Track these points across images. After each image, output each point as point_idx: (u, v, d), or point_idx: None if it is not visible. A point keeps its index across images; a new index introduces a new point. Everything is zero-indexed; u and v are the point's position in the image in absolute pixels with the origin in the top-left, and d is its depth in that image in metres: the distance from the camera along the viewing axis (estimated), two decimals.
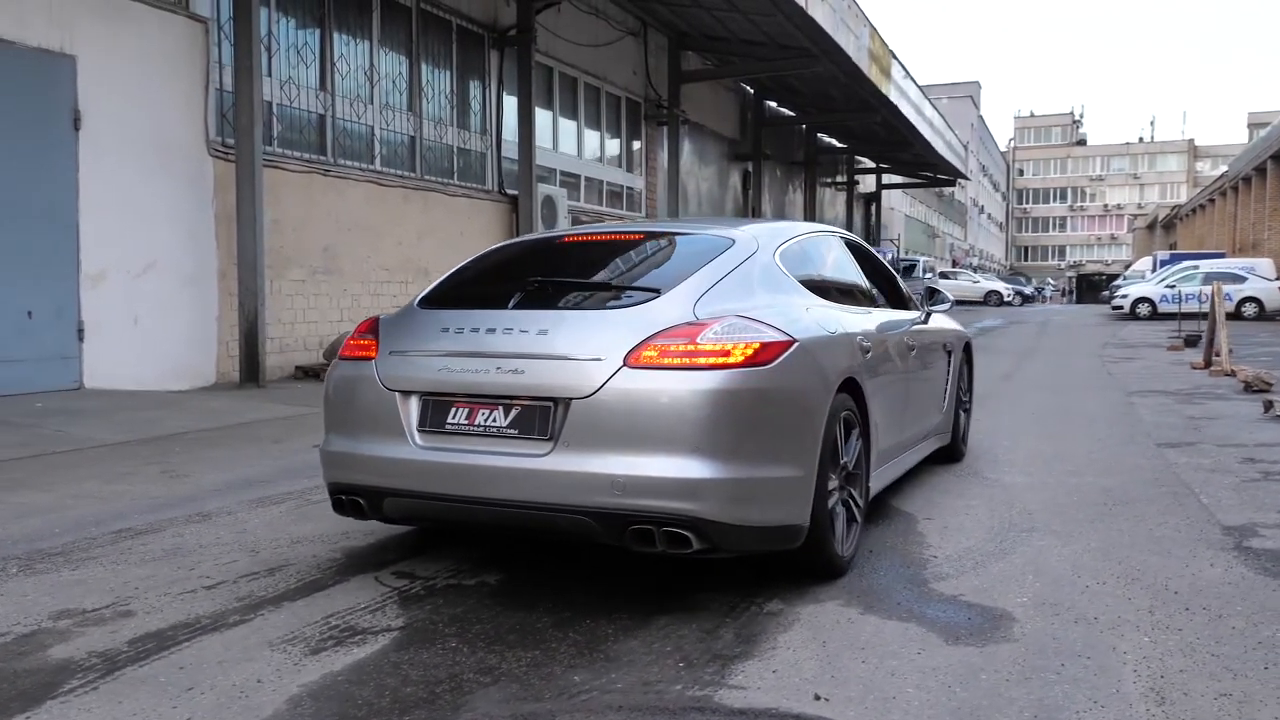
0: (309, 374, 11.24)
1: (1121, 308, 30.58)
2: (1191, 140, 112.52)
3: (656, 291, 3.64)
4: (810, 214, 31.41)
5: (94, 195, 9.09)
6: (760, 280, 3.90)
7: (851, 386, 4.00)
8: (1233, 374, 11.26)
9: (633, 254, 4.28)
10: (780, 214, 29.76)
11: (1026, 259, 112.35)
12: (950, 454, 6.24)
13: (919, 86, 31.20)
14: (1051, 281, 76.36)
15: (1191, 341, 17.76)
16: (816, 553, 3.70)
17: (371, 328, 3.94)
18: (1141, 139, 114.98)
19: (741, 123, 26.23)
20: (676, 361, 3.32)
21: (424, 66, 13.87)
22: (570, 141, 17.93)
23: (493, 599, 3.66)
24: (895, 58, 26.01)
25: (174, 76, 9.90)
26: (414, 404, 3.63)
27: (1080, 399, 9.81)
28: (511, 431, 3.44)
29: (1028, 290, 51.27)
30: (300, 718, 2.68)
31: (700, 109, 22.98)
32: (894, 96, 25.57)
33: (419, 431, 3.60)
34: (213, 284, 10.38)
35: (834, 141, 34.05)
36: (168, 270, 9.87)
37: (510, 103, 15.57)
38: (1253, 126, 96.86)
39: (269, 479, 5.94)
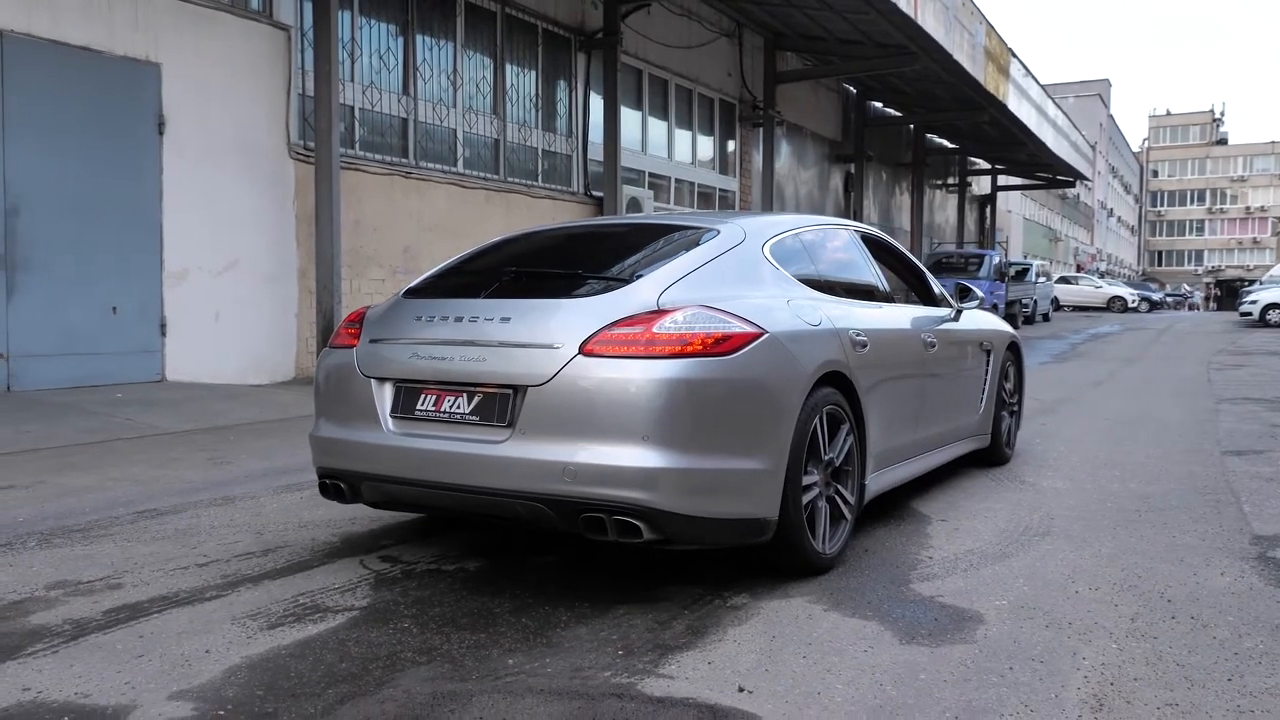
0: None
1: (1250, 314, 28.96)
2: None
3: (625, 281, 3.62)
4: (917, 216, 30.73)
5: (177, 196, 9.52)
6: (739, 271, 3.85)
7: (839, 381, 3.91)
8: None
9: (617, 245, 4.28)
10: (885, 217, 29.21)
11: (1160, 264, 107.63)
12: (991, 457, 6.03)
13: (1040, 85, 30.23)
14: (1188, 287, 72.70)
15: None
16: (789, 548, 3.62)
17: (359, 318, 4.03)
18: None
19: (844, 123, 25.83)
20: (632, 349, 3.29)
21: (508, 69, 14.09)
22: (660, 144, 17.97)
23: (463, 584, 3.70)
24: (1015, 55, 25.26)
25: (256, 82, 10.31)
26: (388, 391, 3.70)
27: (1164, 406, 9.35)
28: (473, 418, 3.48)
29: (1156, 296, 49.09)
30: (230, 686, 2.76)
31: (800, 110, 22.73)
32: (1012, 95, 24.82)
33: (392, 418, 3.67)
34: (293, 282, 10.76)
35: (944, 142, 33.21)
36: (249, 269, 10.27)
37: (596, 105, 15.70)
38: None
39: (304, 467, 6.09)
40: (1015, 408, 6.45)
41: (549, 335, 3.39)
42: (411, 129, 12.49)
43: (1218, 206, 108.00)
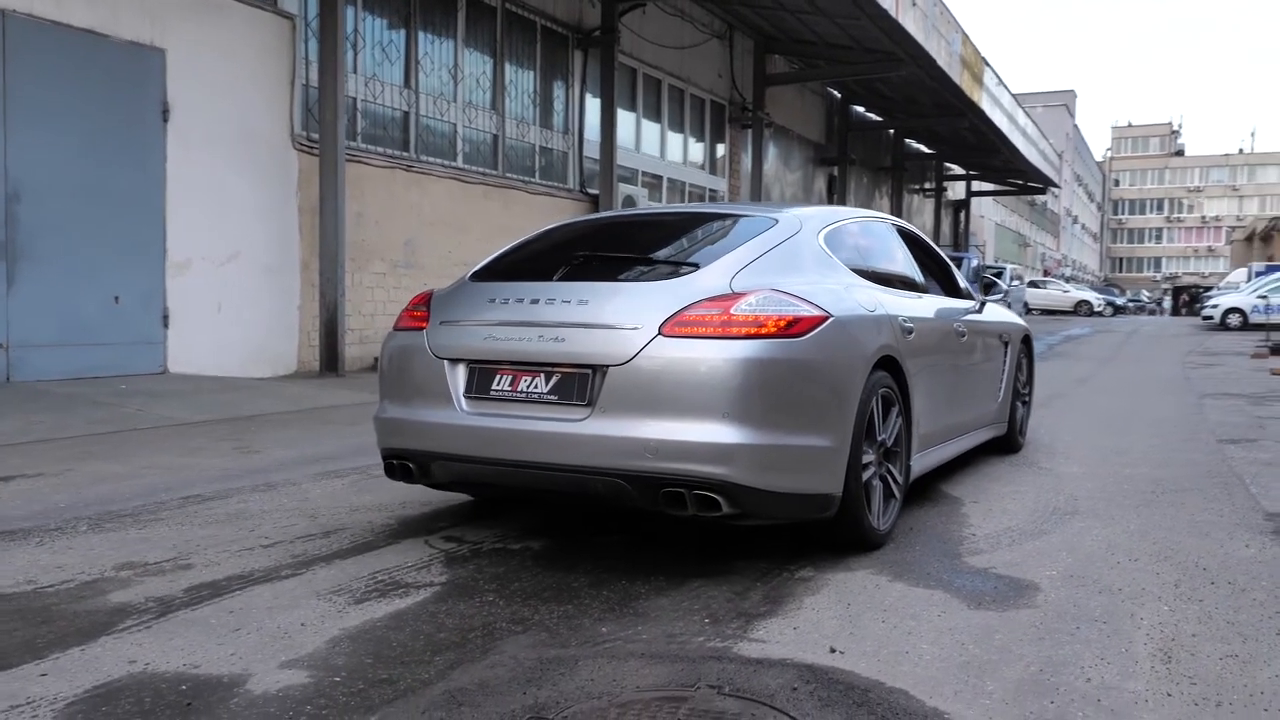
0: None
1: (1212, 318, 29.63)
2: None
3: (696, 266, 3.74)
4: None
5: (181, 186, 9.51)
6: (800, 258, 3.98)
7: (891, 365, 4.05)
8: None
9: (678, 232, 4.40)
10: None
11: (1121, 270, 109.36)
12: (1007, 445, 6.22)
13: (1012, 94, 30.75)
14: (1146, 294, 73.87)
15: (1277, 349, 17.22)
16: (850, 524, 3.75)
17: (425, 300, 4.12)
18: (1241, 150, 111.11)
19: (827, 127, 26.13)
20: (710, 331, 3.41)
21: (508, 65, 14.17)
22: (653, 142, 18.10)
23: (534, 561, 3.79)
24: (988, 65, 25.69)
25: (260, 71, 10.32)
26: (461, 371, 3.79)
27: (1152, 401, 9.61)
28: (551, 397, 3.57)
29: (1119, 301, 49.97)
30: (337, 655, 2.84)
31: (786, 112, 22.96)
32: (986, 103, 25.24)
33: (465, 398, 3.76)
34: (295, 274, 10.77)
35: (922, 147, 33.68)
36: (251, 260, 10.28)
37: (593, 103, 15.81)
38: None
39: (336, 456, 6.17)
40: (1027, 398, 6.64)
41: (628, 317, 3.50)
42: (413, 122, 12.53)
43: (1175, 215, 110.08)
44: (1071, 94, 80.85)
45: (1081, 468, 5.81)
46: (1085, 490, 5.14)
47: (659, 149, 18.31)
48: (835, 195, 26.75)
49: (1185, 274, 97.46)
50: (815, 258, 4.07)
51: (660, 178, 18.35)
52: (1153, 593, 3.39)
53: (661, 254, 4.00)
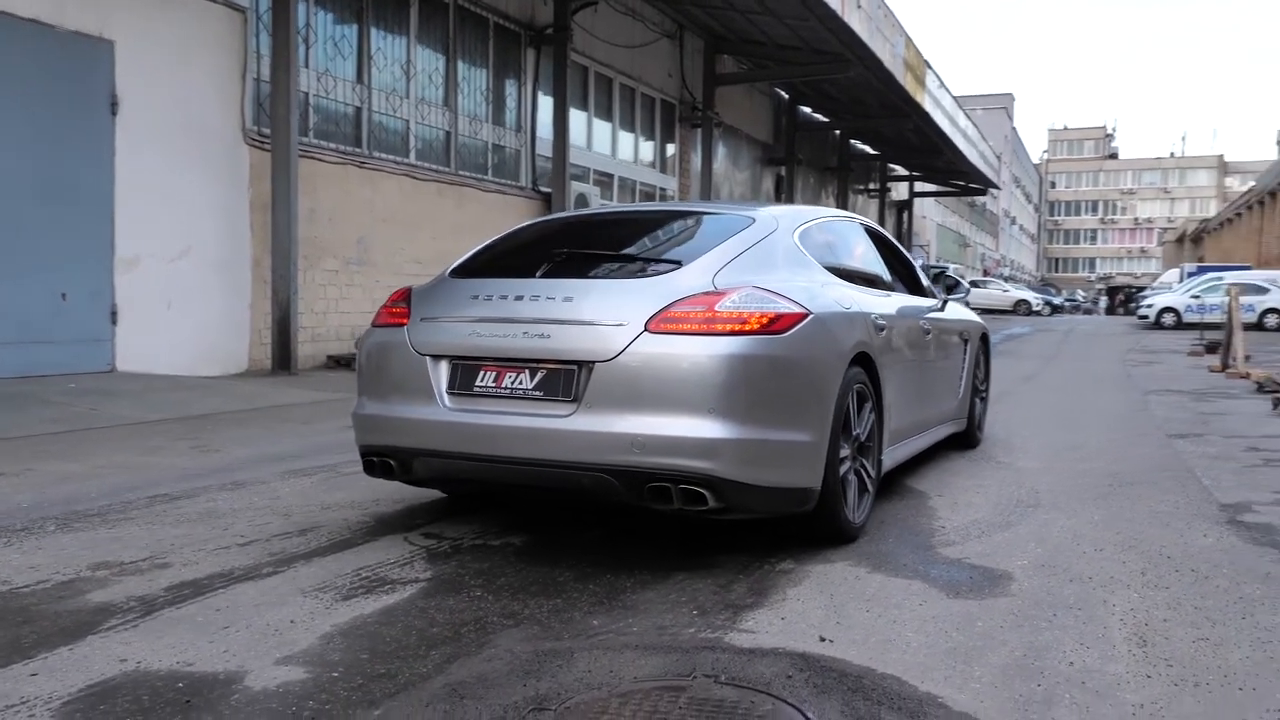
0: (341, 363, 11.46)
1: (1147, 317, 30.46)
2: (1221, 156, 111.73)
3: (678, 263, 3.79)
4: None
5: (130, 180, 9.33)
6: (778, 257, 4.04)
7: (865, 361, 4.13)
8: (1247, 376, 11.30)
9: (656, 230, 4.44)
10: None
11: (1057, 270, 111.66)
12: (966, 440, 6.36)
13: (953, 97, 31.24)
14: (1082, 294, 75.52)
15: (1213, 348, 17.69)
16: (828, 517, 3.83)
17: (404, 296, 4.11)
18: (1172, 154, 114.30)
19: (775, 127, 26.36)
20: (695, 327, 3.46)
21: (460, 62, 14.10)
22: (604, 141, 18.13)
23: (517, 557, 3.81)
24: (930, 67, 26.07)
25: (211, 65, 10.16)
26: (443, 368, 3.79)
27: (1098, 397, 9.87)
28: (537, 394, 3.60)
29: (1057, 300, 51.10)
30: (332, 651, 2.84)
31: (735, 112, 23.12)
32: (928, 105, 25.63)
33: (448, 394, 3.76)
34: (246, 271, 10.62)
35: (867, 148, 34.10)
36: (202, 257, 10.12)
37: (545, 100, 15.79)
38: None
39: (300, 454, 6.12)
40: (984, 394, 6.80)
41: (614, 313, 3.53)
42: (365, 118, 12.42)
43: (1109, 217, 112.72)
44: (1010, 97, 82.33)
45: (1039, 462, 5.97)
46: (1045, 484, 5.28)
47: (610, 147, 18.34)
48: (782, 195, 27.00)
49: (1119, 274, 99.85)
50: (792, 256, 4.14)
51: (611, 176, 18.38)
52: (1122, 580, 3.50)
53: (642, 251, 4.05)
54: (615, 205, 4.22)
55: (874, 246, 5.26)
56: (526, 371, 3.63)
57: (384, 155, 12.68)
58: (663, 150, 20.37)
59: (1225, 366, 12.42)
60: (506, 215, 14.91)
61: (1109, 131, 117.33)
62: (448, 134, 13.90)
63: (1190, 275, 36.60)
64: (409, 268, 12.96)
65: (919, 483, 5.31)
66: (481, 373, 3.71)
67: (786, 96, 26.59)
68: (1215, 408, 8.74)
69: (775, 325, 3.55)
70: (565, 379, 3.56)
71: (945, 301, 5.81)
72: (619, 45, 17.74)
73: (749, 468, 3.46)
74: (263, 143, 10.61)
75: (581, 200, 16.10)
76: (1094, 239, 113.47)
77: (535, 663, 2.76)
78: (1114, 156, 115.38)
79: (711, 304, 3.51)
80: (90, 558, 3.78)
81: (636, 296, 3.60)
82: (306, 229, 11.01)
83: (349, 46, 12.23)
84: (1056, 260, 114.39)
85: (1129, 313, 44.01)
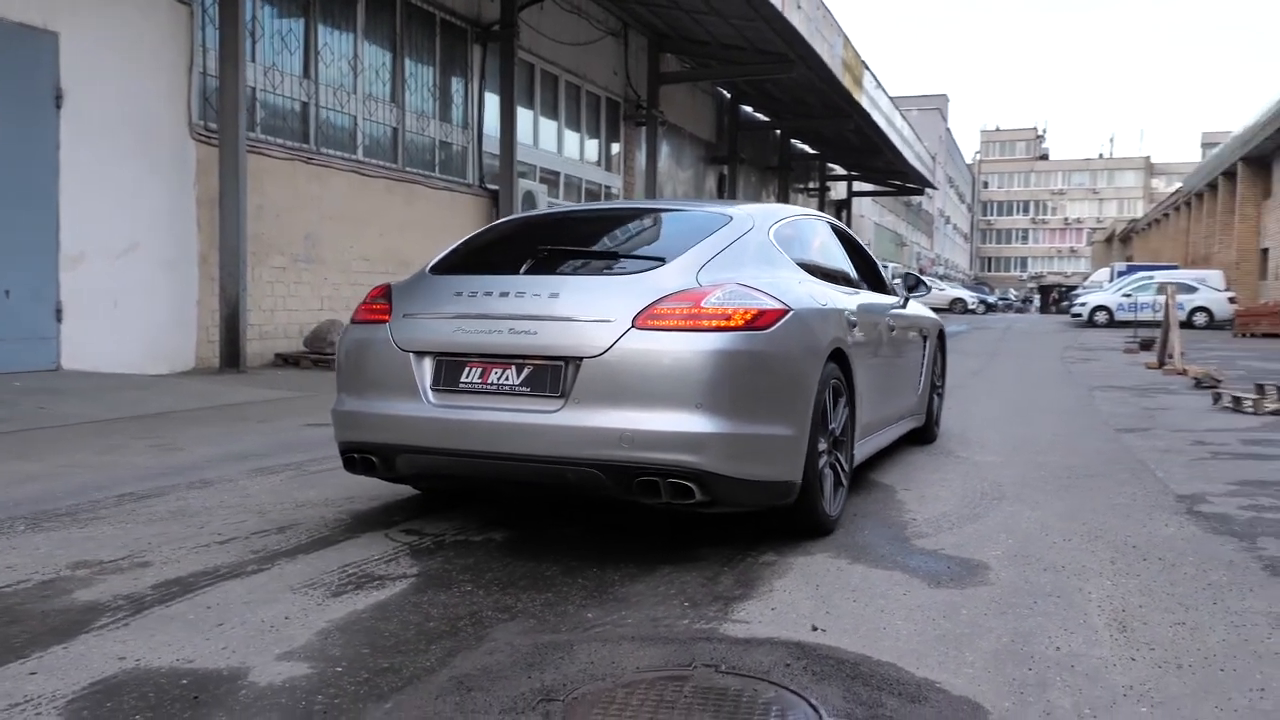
0: (289, 361, 11.33)
1: (1080, 315, 31.27)
2: (1148, 157, 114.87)
3: (661, 260, 3.83)
4: None
5: (75, 175, 9.13)
6: (756, 254, 4.11)
7: (839, 357, 4.22)
8: (1184, 373, 11.68)
9: (635, 227, 4.49)
10: None
11: (990, 269, 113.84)
12: (924, 435, 6.50)
13: (890, 97, 31.70)
14: (1014, 292, 77.18)
15: (1147, 345, 18.24)
16: (808, 510, 3.91)
17: (384, 293, 4.10)
18: (1101, 155, 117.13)
19: (718, 126, 26.53)
20: (681, 323, 3.52)
21: (407, 58, 13.99)
22: (550, 139, 18.11)
23: (501, 552, 3.83)
24: (867, 68, 26.43)
25: (156, 58, 9.97)
26: (428, 364, 3.80)
27: (1044, 393, 10.14)
28: (524, 389, 3.62)
29: (991, 299, 52.24)
30: (332, 646, 2.84)
31: (678, 111, 23.23)
32: (866, 106, 25.98)
33: (433, 390, 3.77)
34: (193, 268, 10.44)
35: (807, 148, 34.48)
36: (148, 253, 9.93)
37: (491, 97, 15.73)
38: (1206, 145, 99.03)
39: (263, 453, 6.06)
40: (941, 390, 6.95)
41: (601, 309, 3.57)
42: (313, 114, 12.28)
43: (1040, 217, 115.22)
44: (944, 98, 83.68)
45: (997, 456, 6.13)
46: (1006, 477, 5.43)
47: (556, 145, 18.33)
48: (725, 193, 27.19)
49: (1049, 273, 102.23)
50: (769, 254, 4.21)
51: (558, 174, 18.37)
52: (1093, 569, 3.63)
53: (623, 249, 4.09)
54: (591, 204, 4.25)
55: (840, 244, 5.36)
56: (513, 367, 3.66)
57: (332, 151, 12.54)
58: (608, 148, 20.41)
59: (1162, 363, 12.82)
60: (454, 212, 14.86)
61: (1040, 133, 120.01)
62: (395, 130, 13.79)
63: (1120, 274, 37.63)
64: (357, 265, 12.85)
65: (884, 477, 5.42)
66: (466, 369, 3.73)
67: (729, 96, 26.79)
68: (1158, 403, 9.04)
69: (758, 321, 3.61)
70: (552, 375, 3.59)
71: (907, 299, 5.93)
72: (564, 43, 17.74)
73: (735, 462, 3.52)
74: (209, 138, 10.44)
75: (529, 198, 16.07)
76: (1025, 238, 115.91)
77: (536, 655, 2.79)
78: (1045, 158, 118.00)
79: (697, 300, 3.57)
80: (67, 557, 3.72)
81: (622, 293, 3.64)
82: (254, 225, 10.85)
83: (296, 41, 12.07)
84: (989, 259, 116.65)
85: (1061, 311, 45.09)
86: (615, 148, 20.69)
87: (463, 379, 3.72)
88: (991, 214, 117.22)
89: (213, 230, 10.43)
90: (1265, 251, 32.02)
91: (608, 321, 3.54)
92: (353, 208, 12.70)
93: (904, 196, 53.35)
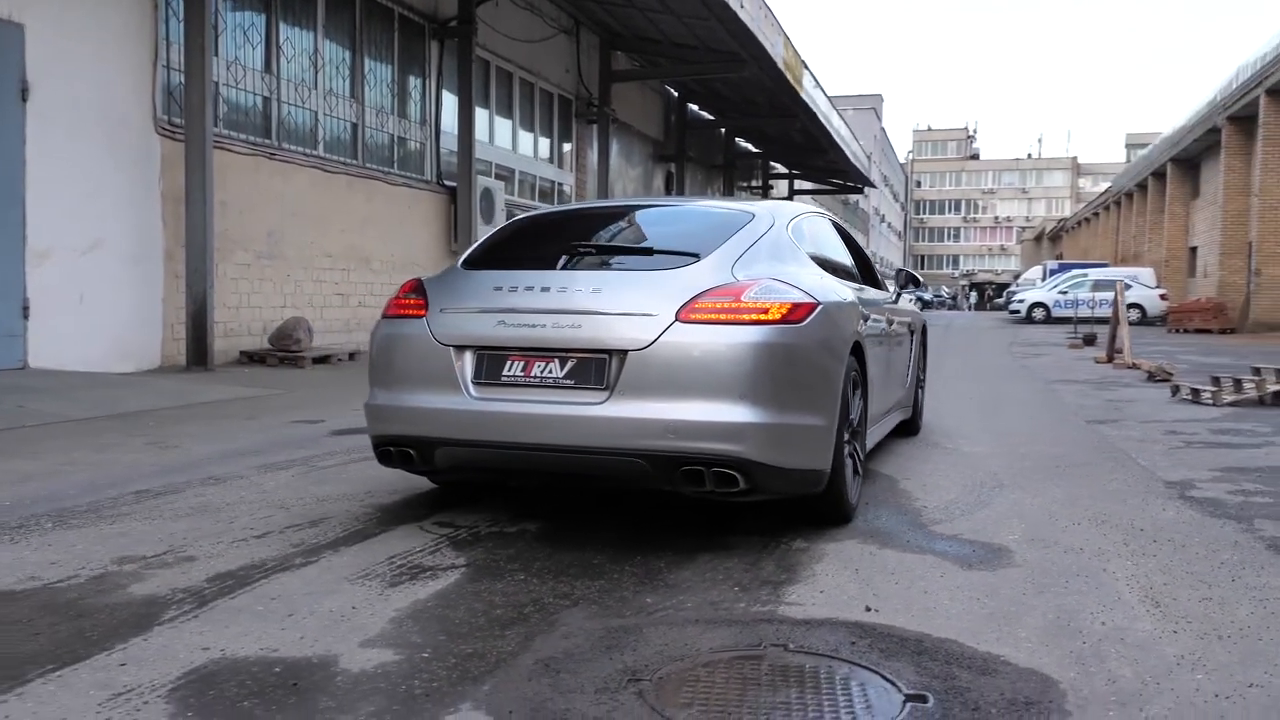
0: (255, 359, 11.21)
1: (1018, 312, 32.07)
2: (1075, 158, 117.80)
3: (695, 256, 3.94)
4: None
5: (41, 169, 8.95)
6: (779, 250, 4.24)
7: (857, 350, 4.37)
8: (1134, 367, 12.10)
9: (660, 223, 4.59)
10: None
11: (923, 267, 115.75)
12: (910, 427, 6.70)
13: (828, 97, 32.13)
14: (946, 290, 78.76)
15: (1089, 340, 18.85)
16: (834, 498, 4.05)
17: (416, 288, 4.15)
18: (1030, 155, 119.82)
19: (666, 125, 26.68)
20: (723, 317, 3.63)
21: (367, 53, 13.89)
22: (505, 136, 18.09)
23: (539, 542, 3.91)
24: (807, 68, 26.77)
25: (121, 51, 9.81)
26: (468, 358, 3.86)
27: (1006, 387, 10.45)
28: (568, 382, 3.70)
29: (927, 296, 53.28)
30: (409, 634, 2.90)
31: (628, 109, 23.32)
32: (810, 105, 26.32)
33: (474, 384, 3.83)
34: (158, 265, 10.29)
35: (750, 146, 34.79)
36: (114, 250, 9.76)
37: (448, 93, 15.66)
38: (1130, 146, 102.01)
39: (261, 449, 6.04)
40: (923, 384, 7.16)
41: (644, 304, 3.67)
42: (275, 109, 12.15)
43: (971, 216, 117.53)
44: (879, 98, 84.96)
45: (982, 447, 6.34)
46: (998, 466, 5.64)
47: (511, 142, 18.32)
48: (673, 191, 27.35)
49: (981, 271, 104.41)
50: (790, 250, 4.34)
51: (512, 171, 18.36)
52: (1110, 551, 3.83)
53: (655, 244, 4.19)
54: (608, 200, 4.31)
55: (841, 240, 5.52)
56: (556, 361, 3.74)
57: (293, 147, 12.42)
58: (560, 146, 20.44)
59: (1110, 358, 13.25)
60: (413, 208, 14.79)
61: (971, 133, 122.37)
62: (355, 126, 13.70)
63: (1053, 272, 38.65)
64: (320, 261, 12.75)
65: (881, 468, 5.59)
66: (509, 362, 3.80)
67: (676, 94, 26.96)
68: (1119, 395, 9.38)
69: (793, 315, 3.74)
70: (597, 367, 3.67)
71: (899, 294, 6.12)
72: (519, 40, 17.73)
73: (775, 451, 3.65)
74: (174, 133, 10.30)
75: (487, 195, 16.05)
76: (957, 237, 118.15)
77: (610, 638, 2.89)
78: (975, 157, 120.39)
79: (737, 294, 3.69)
80: (107, 552, 3.71)
81: (663, 288, 3.74)
82: (218, 222, 10.70)
83: (258, 35, 11.93)
84: (922, 257, 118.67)
85: (996, 308, 46.11)
86: (567, 145, 20.72)
87: (505, 372, 3.79)
88: (924, 212, 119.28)
89: (178, 227, 10.28)
90: (1194, 250, 33.12)
91: (651, 316, 3.64)
92: (315, 204, 12.59)
93: (842, 195, 54.04)
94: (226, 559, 3.65)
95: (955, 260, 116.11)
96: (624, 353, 3.63)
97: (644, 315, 3.65)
